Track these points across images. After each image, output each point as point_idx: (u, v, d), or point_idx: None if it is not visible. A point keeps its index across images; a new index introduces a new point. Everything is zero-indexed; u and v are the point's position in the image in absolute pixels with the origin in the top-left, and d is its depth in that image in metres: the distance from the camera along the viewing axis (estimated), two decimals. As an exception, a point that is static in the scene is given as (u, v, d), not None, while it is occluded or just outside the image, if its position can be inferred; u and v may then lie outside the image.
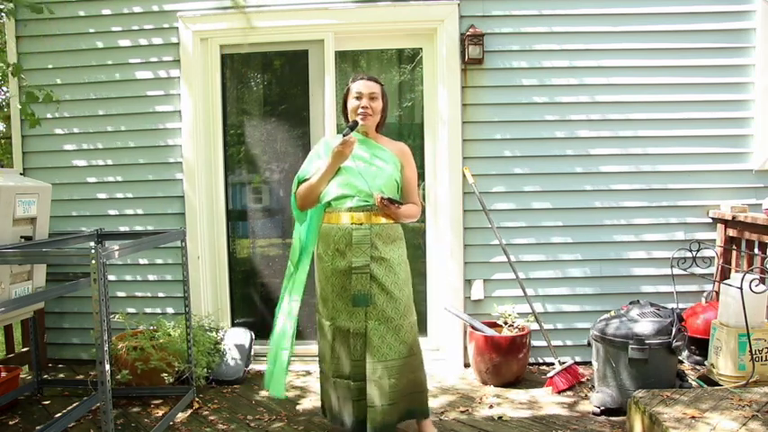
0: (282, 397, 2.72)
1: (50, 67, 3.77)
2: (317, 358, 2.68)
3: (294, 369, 3.67)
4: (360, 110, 2.51)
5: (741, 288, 2.69)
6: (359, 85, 2.54)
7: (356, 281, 2.41)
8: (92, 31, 3.75)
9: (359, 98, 2.52)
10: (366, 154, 2.53)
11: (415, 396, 2.48)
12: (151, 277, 3.82)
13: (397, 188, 2.55)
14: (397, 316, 2.42)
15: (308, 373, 3.62)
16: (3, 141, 7.21)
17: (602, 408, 2.88)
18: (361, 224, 2.43)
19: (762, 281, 2.82)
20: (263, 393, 3.29)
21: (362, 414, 2.43)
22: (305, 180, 2.56)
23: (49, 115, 3.75)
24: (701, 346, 3.30)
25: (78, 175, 3.81)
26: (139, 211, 3.80)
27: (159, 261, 3.80)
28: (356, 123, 2.49)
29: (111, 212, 3.81)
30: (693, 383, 2.97)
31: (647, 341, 2.77)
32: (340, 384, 2.48)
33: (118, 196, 3.81)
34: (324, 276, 2.51)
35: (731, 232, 3.48)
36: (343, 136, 2.41)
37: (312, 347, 3.86)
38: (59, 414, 2.99)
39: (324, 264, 2.50)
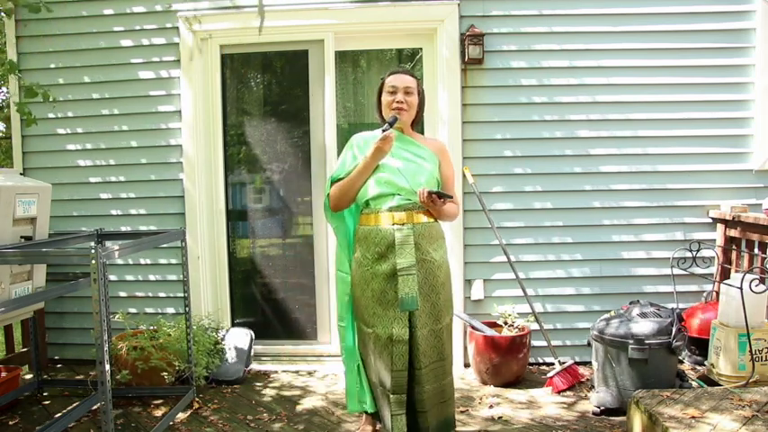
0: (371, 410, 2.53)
1: (52, 66, 3.77)
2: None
3: (296, 369, 3.67)
4: (394, 104, 2.39)
5: (741, 288, 2.69)
6: (393, 79, 2.42)
7: (403, 283, 2.27)
8: (94, 30, 3.75)
9: (393, 92, 2.40)
10: (404, 151, 2.41)
11: (441, 407, 2.38)
12: (152, 277, 3.82)
13: (438, 186, 2.43)
14: (431, 321, 2.33)
15: (310, 373, 3.62)
16: (3, 141, 7.22)
17: (602, 408, 2.88)
18: (403, 224, 2.31)
19: (762, 281, 2.82)
20: (264, 393, 3.30)
21: (401, 428, 2.31)
22: (339, 180, 2.43)
23: (50, 115, 3.76)
24: (700, 346, 3.30)
25: (78, 174, 3.81)
26: (140, 211, 3.80)
27: (161, 261, 3.80)
28: (395, 119, 2.35)
29: (112, 212, 3.81)
30: (693, 383, 2.97)
31: (647, 341, 2.77)
32: (383, 393, 2.36)
33: (119, 196, 3.81)
34: (363, 281, 2.36)
35: (731, 232, 3.48)
36: (383, 131, 2.28)
37: (314, 347, 3.88)
38: (59, 414, 2.99)
39: (363, 268, 2.36)
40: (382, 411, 2.42)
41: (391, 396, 2.31)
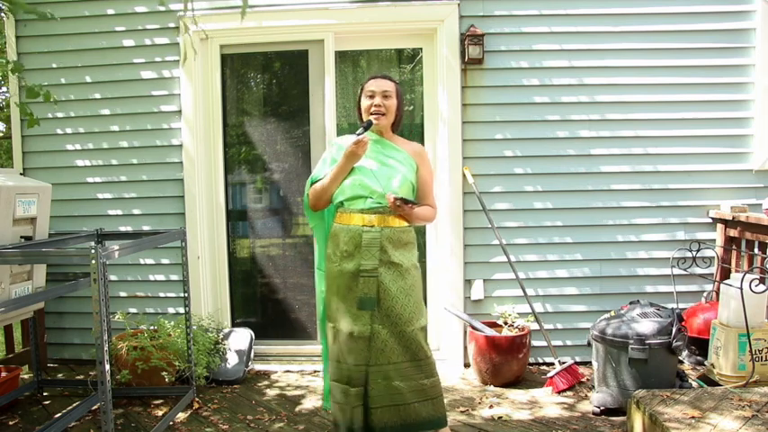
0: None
1: (54, 66, 3.77)
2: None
3: (297, 369, 3.67)
4: (372, 109, 2.44)
5: (741, 288, 2.69)
6: (372, 84, 2.48)
7: (363, 284, 2.34)
8: (96, 30, 3.74)
9: (372, 96, 2.46)
10: (380, 154, 2.47)
11: (425, 404, 2.37)
12: (152, 277, 3.82)
13: (413, 190, 2.47)
14: (401, 322, 2.35)
15: (310, 373, 3.62)
16: (3, 141, 7.22)
17: (602, 408, 2.88)
18: (372, 226, 2.36)
19: (762, 281, 2.82)
20: (264, 393, 3.30)
21: (360, 421, 2.35)
22: (318, 181, 2.49)
23: (50, 115, 3.76)
24: (701, 346, 3.30)
25: (78, 175, 3.81)
26: (140, 211, 3.80)
27: (162, 261, 3.80)
28: (370, 123, 2.42)
29: (112, 212, 3.81)
30: (693, 383, 2.97)
31: (647, 341, 2.77)
32: (336, 388, 2.41)
33: (120, 196, 3.80)
34: (331, 277, 2.44)
35: (731, 232, 3.48)
36: (357, 135, 2.34)
37: (315, 347, 3.88)
38: (59, 414, 2.99)
39: (332, 264, 2.43)
40: (338, 407, 2.41)
41: (351, 389, 2.34)
